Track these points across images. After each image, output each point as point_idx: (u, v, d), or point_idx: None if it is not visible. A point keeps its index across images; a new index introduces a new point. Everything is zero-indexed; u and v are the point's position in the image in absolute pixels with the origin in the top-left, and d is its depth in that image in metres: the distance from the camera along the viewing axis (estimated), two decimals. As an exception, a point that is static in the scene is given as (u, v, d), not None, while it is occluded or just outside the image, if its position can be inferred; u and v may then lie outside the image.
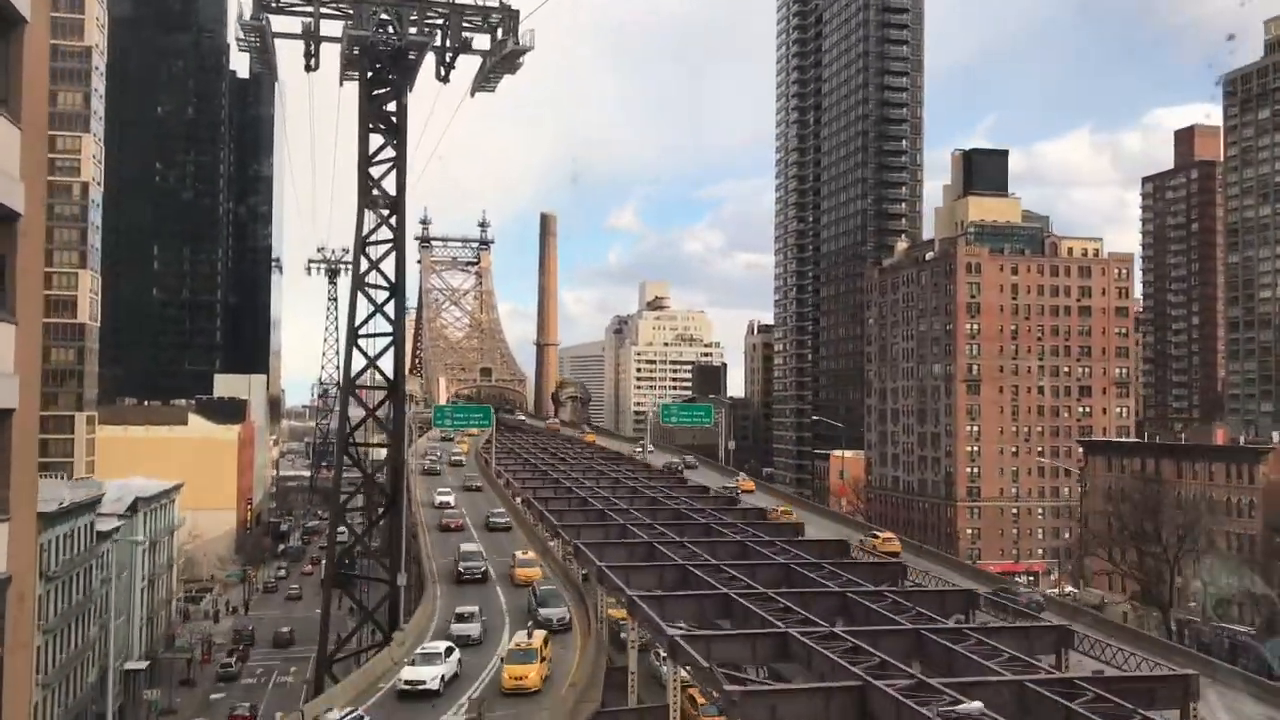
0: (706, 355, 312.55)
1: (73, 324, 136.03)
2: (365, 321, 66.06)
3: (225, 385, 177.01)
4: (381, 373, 65.27)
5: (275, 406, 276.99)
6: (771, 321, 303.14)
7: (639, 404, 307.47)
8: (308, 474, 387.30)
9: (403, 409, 66.74)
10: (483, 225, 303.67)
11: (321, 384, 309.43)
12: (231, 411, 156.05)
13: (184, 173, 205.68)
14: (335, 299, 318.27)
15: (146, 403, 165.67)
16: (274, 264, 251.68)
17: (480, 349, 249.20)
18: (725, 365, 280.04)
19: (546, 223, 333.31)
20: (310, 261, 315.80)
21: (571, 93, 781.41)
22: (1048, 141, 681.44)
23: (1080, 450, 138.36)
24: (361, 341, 62.54)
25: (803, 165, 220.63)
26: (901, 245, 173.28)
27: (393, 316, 65.88)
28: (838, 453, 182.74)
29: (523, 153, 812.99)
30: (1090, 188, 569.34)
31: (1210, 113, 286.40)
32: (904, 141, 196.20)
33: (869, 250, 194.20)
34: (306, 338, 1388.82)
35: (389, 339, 66.05)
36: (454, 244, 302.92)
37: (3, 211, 16.88)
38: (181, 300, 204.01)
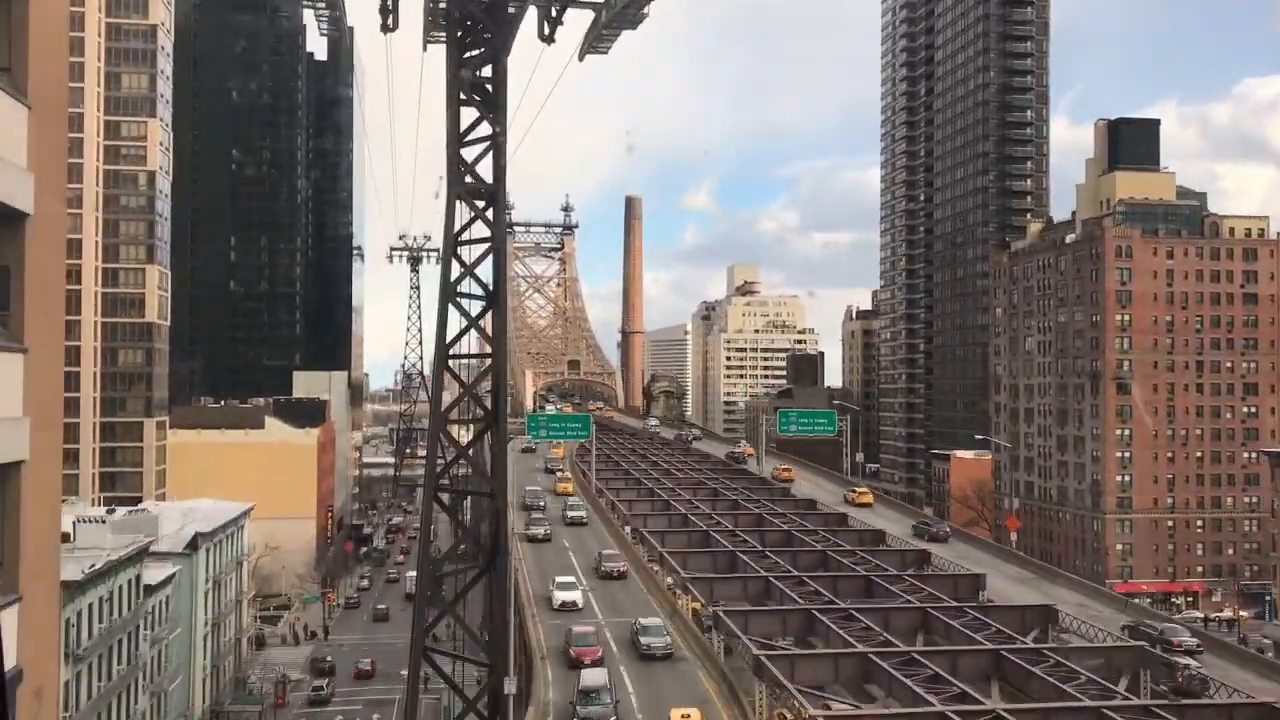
0: (800, 343, 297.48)
1: (140, 323, 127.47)
2: (456, 339, 52.16)
3: (305, 383, 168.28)
4: (480, 403, 51.33)
5: (358, 392, 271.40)
6: (868, 305, 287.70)
7: (729, 395, 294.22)
8: (391, 460, 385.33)
9: (503, 450, 52.38)
10: (566, 209, 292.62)
11: (404, 371, 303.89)
12: (311, 413, 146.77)
13: (261, 159, 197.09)
14: (418, 286, 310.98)
15: (224, 401, 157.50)
16: (355, 252, 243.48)
17: (565, 338, 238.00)
18: (822, 354, 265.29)
19: (631, 206, 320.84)
20: (392, 249, 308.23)
21: (640, 71, 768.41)
22: (1134, 114, 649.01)
23: (1260, 458, 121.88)
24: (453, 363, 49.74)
25: (912, 139, 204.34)
26: (1035, 226, 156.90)
27: (491, 333, 52.04)
28: (960, 453, 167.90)
29: (592, 134, 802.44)
30: (1178, 160, 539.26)
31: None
32: (1029, 112, 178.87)
33: (990, 231, 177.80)
34: (390, 324, 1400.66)
35: (487, 361, 52.31)
36: (537, 229, 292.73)
37: (2, 210, 13.78)
38: (260, 292, 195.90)
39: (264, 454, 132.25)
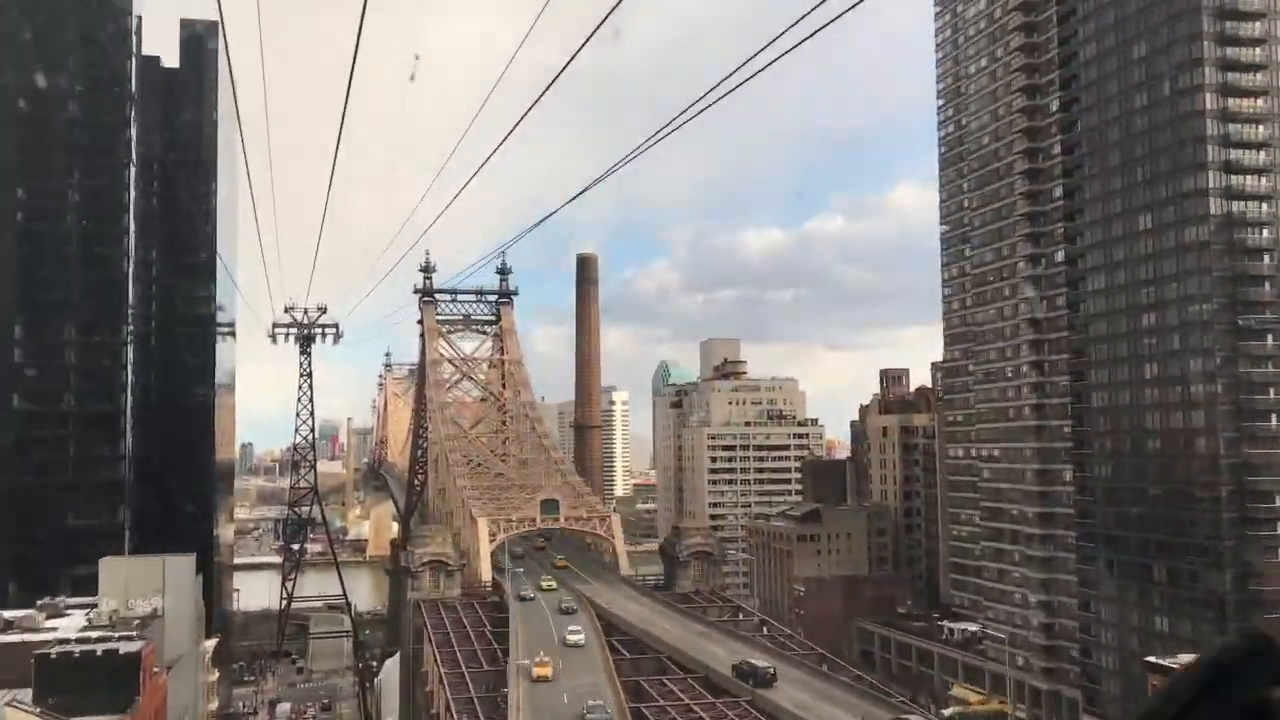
0: (801, 438, 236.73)
1: None
2: None
3: (124, 579, 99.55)
4: None
5: (229, 477, 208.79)
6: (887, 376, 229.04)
7: (717, 505, 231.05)
8: (276, 563, 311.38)
9: None
10: (502, 271, 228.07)
11: (295, 458, 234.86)
12: (116, 680, 77.91)
13: (64, 206, 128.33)
14: (309, 374, 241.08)
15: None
16: (224, 331, 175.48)
17: (520, 459, 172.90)
18: (850, 461, 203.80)
19: (586, 267, 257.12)
20: (276, 327, 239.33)
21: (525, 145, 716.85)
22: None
23: None
24: None
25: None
26: None
27: None
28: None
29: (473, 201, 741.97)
30: None
31: None
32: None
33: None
34: (273, 403, 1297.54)
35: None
36: (465, 298, 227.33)
37: None
38: (63, 411, 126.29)
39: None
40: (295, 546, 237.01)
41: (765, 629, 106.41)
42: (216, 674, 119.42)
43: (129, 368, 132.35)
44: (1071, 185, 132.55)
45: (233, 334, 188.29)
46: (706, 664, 79.63)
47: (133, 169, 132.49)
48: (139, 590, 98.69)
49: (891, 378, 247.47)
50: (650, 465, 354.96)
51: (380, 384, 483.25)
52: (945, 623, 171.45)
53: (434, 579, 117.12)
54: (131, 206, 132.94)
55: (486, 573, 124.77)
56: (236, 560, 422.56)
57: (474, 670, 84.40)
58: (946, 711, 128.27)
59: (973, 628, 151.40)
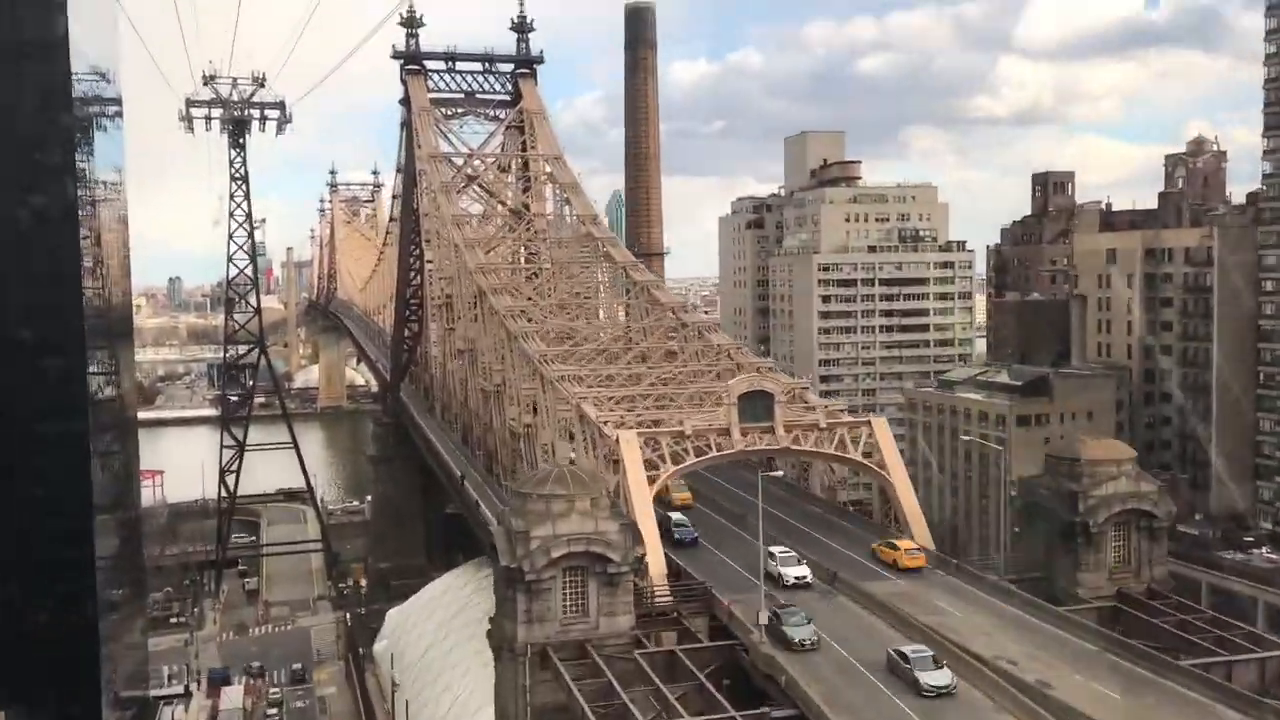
0: (945, 268, 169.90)
1: None
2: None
3: None
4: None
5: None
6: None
7: (832, 359, 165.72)
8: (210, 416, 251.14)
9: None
10: (521, 28, 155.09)
11: (229, 292, 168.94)
12: None
13: None
14: (244, 176, 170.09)
15: None
16: (95, 112, 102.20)
17: (612, 316, 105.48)
18: (1083, 299, 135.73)
19: (638, 23, 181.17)
20: (191, 105, 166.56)
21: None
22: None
23: None
24: None
25: None
26: None
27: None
28: None
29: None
30: None
31: None
32: None
33: None
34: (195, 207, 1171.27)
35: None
36: (468, 67, 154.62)
37: None
38: None
39: None
40: (234, 397, 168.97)
41: None
42: None
43: None
44: None
45: (115, 116, 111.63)
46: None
47: None
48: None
49: (1053, 184, 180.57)
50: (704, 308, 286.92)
51: (323, 208, 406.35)
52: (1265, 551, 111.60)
53: (573, 591, 50.53)
54: None
55: (658, 563, 58.20)
56: (163, 414, 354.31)
57: None
58: None
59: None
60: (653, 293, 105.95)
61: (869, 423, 69.19)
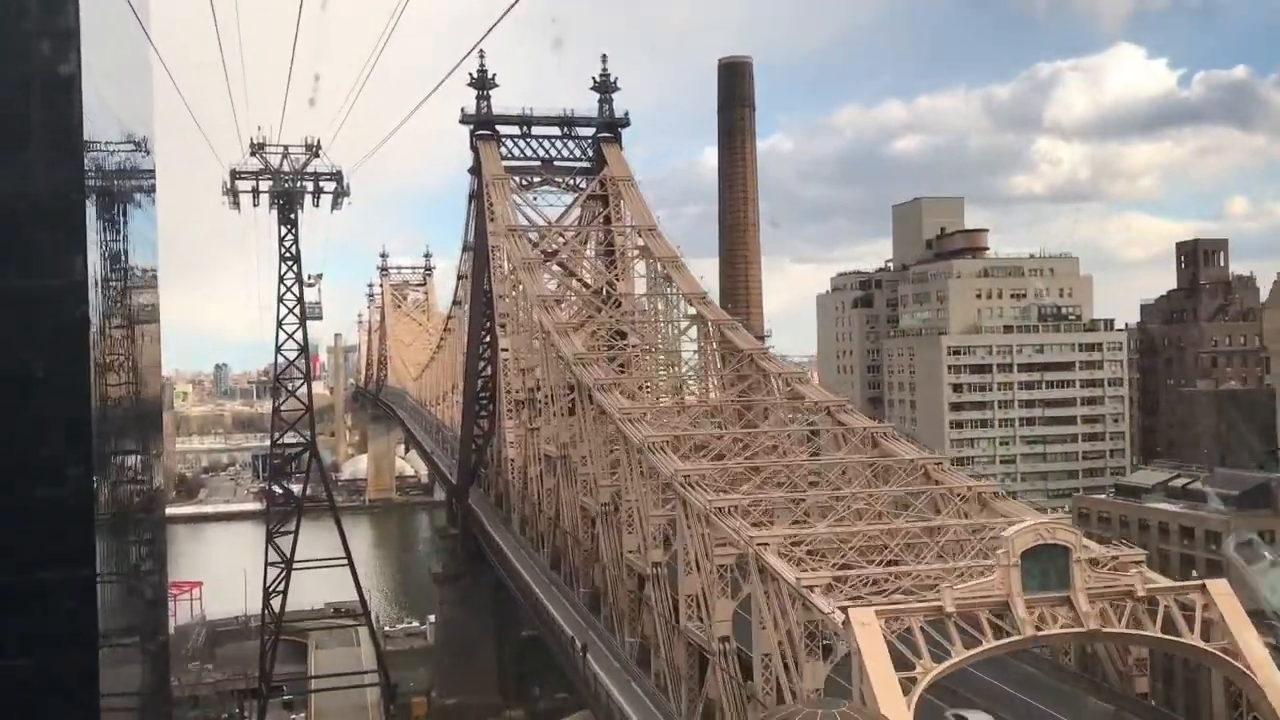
0: (1091, 350, 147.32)
1: None
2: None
3: None
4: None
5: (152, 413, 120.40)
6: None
7: (964, 461, 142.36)
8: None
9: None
10: (604, 88, 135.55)
11: (276, 379, 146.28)
12: None
13: None
14: (294, 255, 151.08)
15: None
16: (128, 187, 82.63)
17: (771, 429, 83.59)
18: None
19: (735, 79, 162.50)
20: (238, 179, 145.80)
21: None
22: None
23: None
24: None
25: None
26: None
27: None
28: None
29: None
30: None
31: None
32: None
33: None
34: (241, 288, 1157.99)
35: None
36: (544, 129, 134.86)
37: None
38: None
39: None
40: (279, 490, 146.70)
41: None
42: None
43: None
44: None
45: (149, 190, 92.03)
46: None
47: None
48: None
49: (1203, 253, 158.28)
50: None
51: (372, 293, 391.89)
52: None
53: None
54: None
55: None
56: (204, 509, 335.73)
57: None
58: None
59: None
60: (798, 387, 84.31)
61: (1203, 587, 46.77)
